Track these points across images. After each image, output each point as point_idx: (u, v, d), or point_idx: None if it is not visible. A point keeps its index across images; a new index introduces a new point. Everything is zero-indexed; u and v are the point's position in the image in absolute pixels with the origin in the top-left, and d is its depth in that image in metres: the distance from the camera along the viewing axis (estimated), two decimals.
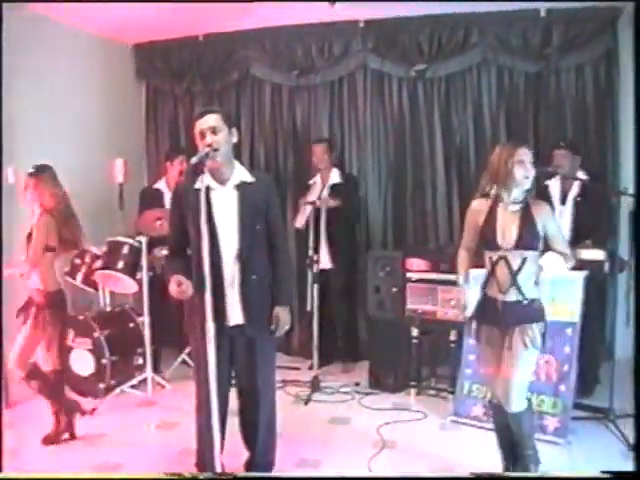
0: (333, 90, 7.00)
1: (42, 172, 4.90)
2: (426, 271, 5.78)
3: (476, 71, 6.51)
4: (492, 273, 3.88)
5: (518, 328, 3.81)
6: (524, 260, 3.79)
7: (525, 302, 3.82)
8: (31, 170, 4.90)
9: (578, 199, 5.48)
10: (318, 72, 6.93)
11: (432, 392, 5.85)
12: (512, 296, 3.82)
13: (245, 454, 4.26)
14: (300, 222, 6.44)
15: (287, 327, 4.12)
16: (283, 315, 4.08)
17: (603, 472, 2.96)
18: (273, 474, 3.75)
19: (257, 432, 4.16)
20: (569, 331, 4.81)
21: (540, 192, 5.65)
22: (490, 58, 6.38)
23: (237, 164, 4.02)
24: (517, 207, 3.83)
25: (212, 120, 3.84)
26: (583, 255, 4.95)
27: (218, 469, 3.82)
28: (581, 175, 5.47)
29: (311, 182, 6.65)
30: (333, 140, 6.83)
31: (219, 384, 3.76)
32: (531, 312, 3.85)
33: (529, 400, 4.01)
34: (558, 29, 6.10)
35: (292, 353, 7.24)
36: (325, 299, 6.46)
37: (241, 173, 3.98)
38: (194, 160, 3.69)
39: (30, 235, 4.86)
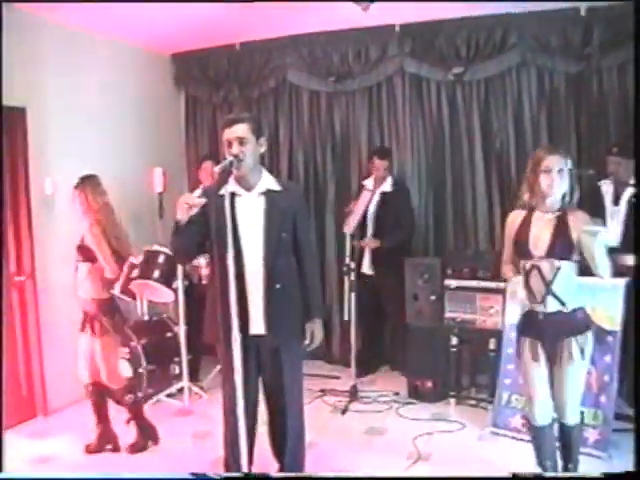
0: (371, 95, 6.92)
1: (87, 182, 4.91)
2: (465, 278, 5.67)
3: (515, 73, 6.35)
4: (527, 282, 3.78)
5: (564, 340, 3.73)
6: (557, 270, 3.67)
7: (566, 311, 3.71)
8: (77, 181, 4.91)
9: (633, 200, 5.31)
10: (355, 78, 6.85)
11: (472, 402, 5.75)
12: (551, 306, 3.72)
13: (275, 466, 4.21)
14: (350, 228, 6.14)
15: (319, 341, 4.08)
16: (317, 330, 4.05)
17: (604, 474, 2.85)
18: (303, 474, 3.68)
19: (285, 442, 4.10)
20: (610, 339, 4.65)
21: (594, 194, 5.55)
22: (529, 59, 6.22)
23: (265, 172, 3.97)
24: (552, 216, 3.73)
25: (240, 130, 3.79)
26: (628, 260, 4.80)
27: None
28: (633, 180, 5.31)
29: (365, 183, 6.53)
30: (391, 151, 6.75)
31: (246, 394, 3.73)
32: (575, 322, 3.75)
33: (582, 413, 4.00)
34: (599, 27, 5.90)
35: (333, 362, 7.16)
36: (370, 305, 6.41)
37: (268, 181, 3.93)
38: (218, 169, 3.65)
39: (81, 247, 4.86)
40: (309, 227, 4.30)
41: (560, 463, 3.96)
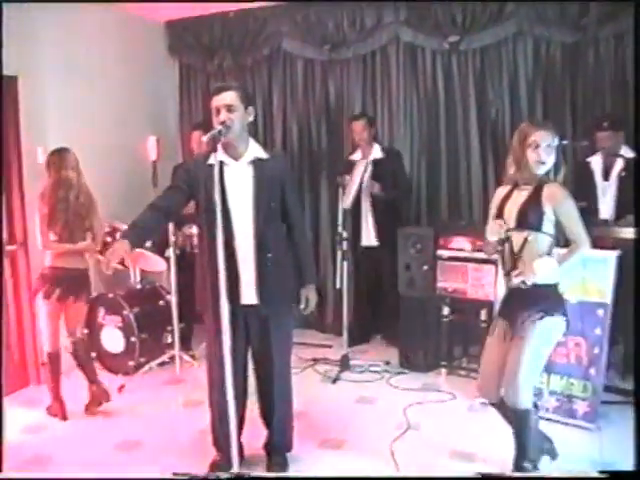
0: (366, 64, 6.85)
1: (49, 157, 5.01)
2: (457, 249, 5.66)
3: (511, 43, 6.27)
4: (502, 255, 3.75)
5: (524, 317, 3.61)
6: (525, 240, 3.62)
7: (525, 287, 3.61)
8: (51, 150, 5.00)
9: (622, 174, 5.30)
10: (350, 46, 6.78)
11: (463, 372, 5.76)
12: (516, 280, 3.64)
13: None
14: (347, 203, 6.20)
15: (313, 306, 4.13)
16: (311, 295, 4.10)
17: (601, 472, 2.85)
18: (286, 474, 3.70)
19: (273, 411, 4.14)
20: (600, 312, 4.63)
21: (581, 168, 5.54)
22: (526, 29, 6.13)
23: (252, 141, 3.95)
24: (528, 188, 3.66)
25: (228, 97, 3.78)
26: (621, 234, 4.79)
27: (235, 449, 3.81)
28: (625, 151, 5.30)
29: (352, 157, 6.50)
30: (371, 115, 6.68)
31: (235, 363, 3.74)
32: (538, 300, 3.63)
33: (535, 405, 3.83)
34: None
35: (325, 330, 7.19)
36: (369, 276, 6.40)
37: (255, 150, 3.92)
38: (206, 138, 3.65)
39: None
40: (297, 195, 4.28)
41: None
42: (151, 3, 6.45)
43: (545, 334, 3.61)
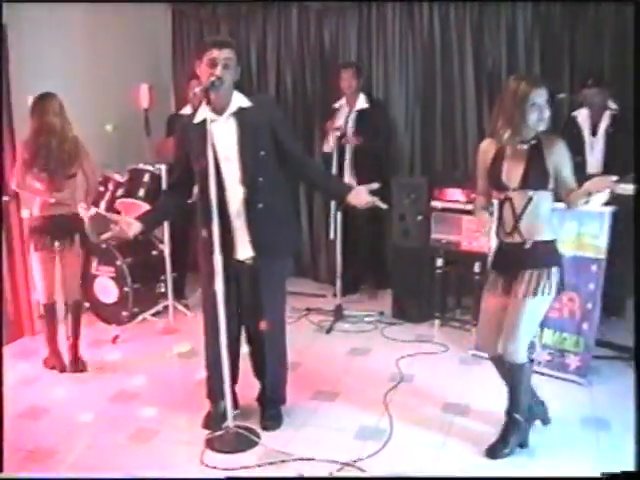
0: (361, 13, 6.74)
1: (32, 104, 4.91)
2: (452, 200, 5.64)
3: None
4: (500, 216, 3.72)
5: (524, 273, 3.62)
6: (529, 200, 3.59)
7: (527, 245, 3.62)
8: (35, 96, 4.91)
9: (610, 130, 5.28)
10: None
11: (456, 324, 5.80)
12: (516, 238, 3.65)
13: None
14: (328, 147, 6.31)
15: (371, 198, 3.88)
16: (362, 191, 3.90)
17: (603, 474, 2.89)
18: (268, 474, 3.74)
19: (265, 365, 4.16)
20: (594, 268, 4.64)
21: (568, 123, 5.50)
22: None
23: (235, 93, 3.88)
24: (526, 146, 3.60)
25: (228, 53, 3.74)
26: (620, 190, 4.78)
27: (229, 400, 3.85)
28: (611, 104, 5.27)
29: (336, 105, 6.49)
30: (361, 64, 6.61)
31: (228, 316, 3.81)
32: (538, 256, 3.64)
33: (531, 360, 3.88)
34: None
35: (320, 279, 7.21)
36: (351, 227, 6.39)
37: (238, 100, 3.86)
38: (198, 91, 3.68)
39: None
40: (293, 135, 4.25)
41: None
42: None
43: (543, 290, 3.61)
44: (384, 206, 3.91)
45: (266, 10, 7.08)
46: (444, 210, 5.68)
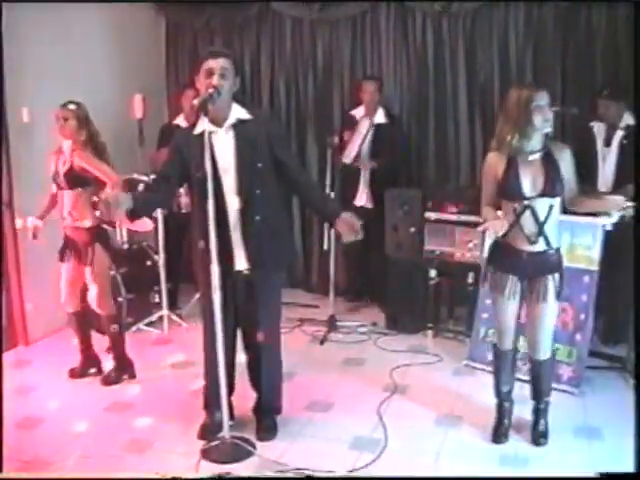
0: (355, 25, 6.77)
1: (84, 109, 4.87)
2: (445, 212, 5.67)
3: (503, 6, 6.22)
4: (516, 224, 3.78)
5: (546, 278, 3.83)
6: (551, 207, 3.73)
7: (551, 252, 3.82)
8: (73, 105, 4.84)
9: (624, 142, 5.30)
10: (340, 6, 6.69)
11: (449, 334, 5.82)
12: (540, 246, 3.79)
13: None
14: (349, 157, 6.25)
15: (360, 225, 3.97)
16: (349, 218, 3.96)
17: (601, 474, 2.92)
18: (275, 474, 3.76)
19: (260, 375, 4.18)
20: (587, 279, 4.69)
21: (585, 134, 5.52)
22: None
23: (234, 105, 3.90)
24: (537, 156, 3.72)
25: (224, 62, 3.76)
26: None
27: (225, 411, 3.86)
28: (627, 119, 5.28)
29: (353, 112, 6.47)
30: (382, 78, 6.60)
31: (226, 327, 3.82)
32: (555, 261, 3.86)
33: (557, 349, 4.22)
34: None
35: (313, 290, 7.22)
36: (365, 238, 6.40)
37: (237, 112, 3.88)
38: (197, 102, 3.68)
39: (69, 173, 4.79)
40: (290, 150, 4.30)
41: (530, 394, 4.14)
42: None
43: (557, 292, 3.86)
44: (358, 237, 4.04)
45: (260, 21, 7.10)
46: (437, 221, 5.69)
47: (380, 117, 6.36)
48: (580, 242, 4.71)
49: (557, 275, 3.84)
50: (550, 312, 3.89)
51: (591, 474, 3.44)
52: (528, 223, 3.76)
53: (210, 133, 3.72)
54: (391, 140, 6.32)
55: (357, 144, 6.21)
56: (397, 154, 6.40)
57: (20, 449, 4.04)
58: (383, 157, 6.28)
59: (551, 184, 3.70)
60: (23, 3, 5.40)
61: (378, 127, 6.34)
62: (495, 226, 3.76)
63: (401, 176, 6.64)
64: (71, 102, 4.84)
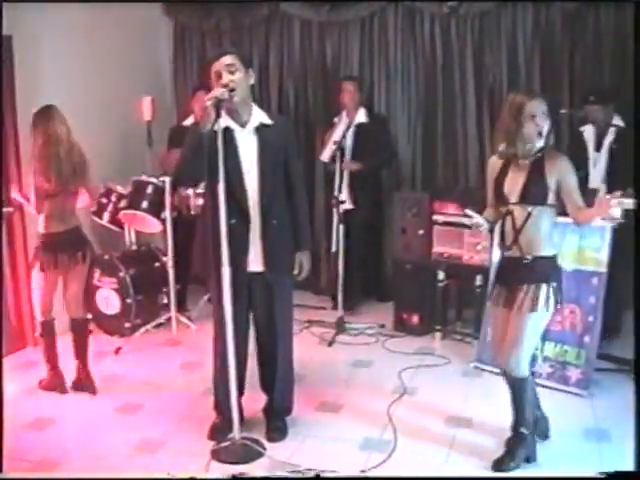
0: (364, 26, 6.79)
1: (35, 117, 4.75)
2: (453, 214, 5.67)
3: (511, 8, 6.24)
4: (502, 228, 3.77)
5: (525, 288, 3.65)
6: (528, 215, 3.63)
7: (527, 260, 3.65)
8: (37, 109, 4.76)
9: (614, 146, 5.31)
10: (349, 8, 6.72)
11: (457, 336, 5.83)
12: (516, 252, 3.69)
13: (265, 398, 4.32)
14: (326, 156, 6.22)
15: (308, 271, 4.17)
16: (306, 261, 4.13)
17: (601, 474, 2.92)
18: (285, 474, 3.78)
19: (274, 377, 4.20)
20: (595, 281, 4.70)
21: (575, 138, 5.54)
22: None
23: (255, 106, 3.94)
24: (527, 161, 3.65)
25: (228, 59, 3.77)
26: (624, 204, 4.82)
27: (235, 413, 3.87)
28: (616, 121, 5.30)
29: (336, 120, 6.46)
30: (363, 78, 6.65)
31: (237, 329, 3.84)
32: (538, 271, 3.66)
33: (532, 372, 3.95)
34: None
35: (320, 292, 7.22)
36: (349, 240, 6.41)
37: (259, 115, 3.92)
38: (209, 102, 3.63)
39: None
40: (298, 161, 4.30)
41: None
42: None
43: (543, 304, 3.64)
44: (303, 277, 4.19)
45: (269, 23, 7.12)
46: (445, 224, 5.71)
47: (361, 117, 6.35)
48: (588, 244, 4.72)
49: (543, 285, 3.63)
50: (523, 324, 3.66)
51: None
52: (508, 228, 3.71)
53: (232, 131, 3.76)
54: (373, 139, 6.31)
55: (333, 145, 6.11)
56: (380, 154, 6.38)
57: (29, 450, 4.06)
58: (367, 159, 6.27)
59: (528, 191, 3.61)
60: (33, 4, 5.43)
61: (359, 127, 6.33)
62: (478, 219, 3.75)
63: (387, 176, 6.68)
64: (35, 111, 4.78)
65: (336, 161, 6.05)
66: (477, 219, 3.79)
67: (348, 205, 6.33)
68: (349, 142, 6.32)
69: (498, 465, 3.78)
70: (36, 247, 4.83)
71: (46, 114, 4.73)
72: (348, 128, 6.27)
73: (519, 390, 3.77)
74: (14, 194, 5.07)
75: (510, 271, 3.76)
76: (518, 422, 3.81)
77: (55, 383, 4.93)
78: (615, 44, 5.91)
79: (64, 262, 4.77)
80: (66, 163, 4.68)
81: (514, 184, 3.67)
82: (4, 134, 5.33)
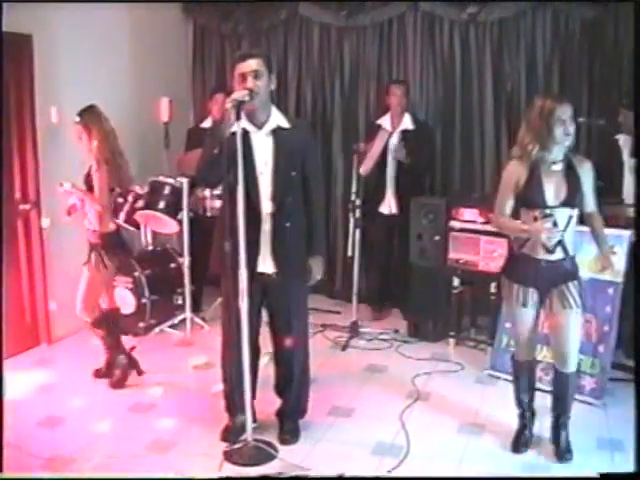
0: (382, 32, 6.78)
1: (88, 116, 4.77)
2: (469, 221, 5.66)
3: (530, 15, 6.21)
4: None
5: (561, 287, 3.80)
6: (570, 218, 3.74)
7: (567, 260, 3.79)
8: (78, 117, 4.78)
9: None
10: (367, 13, 6.71)
11: (471, 343, 5.81)
12: (558, 255, 3.77)
13: (277, 401, 4.32)
14: (364, 170, 6.11)
15: (319, 277, 4.14)
16: (316, 266, 4.09)
17: (601, 474, 2.91)
18: (296, 474, 3.78)
19: (291, 381, 4.20)
20: (610, 290, 4.69)
21: (610, 146, 5.50)
22: (545, 2, 6.08)
23: (274, 109, 3.96)
24: (560, 166, 3.73)
25: (255, 64, 3.78)
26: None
27: (249, 414, 3.87)
28: None
29: (380, 122, 6.36)
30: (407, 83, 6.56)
31: (250, 329, 3.84)
32: (571, 269, 3.84)
33: (580, 360, 4.15)
34: None
35: (335, 296, 7.21)
36: (384, 244, 6.47)
37: (277, 118, 3.93)
38: (230, 105, 3.65)
39: (88, 176, 4.81)
40: (318, 164, 4.30)
41: (551, 407, 4.08)
42: None
43: (582, 302, 3.85)
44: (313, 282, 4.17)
45: (287, 27, 7.13)
46: (462, 230, 5.69)
47: (407, 123, 6.30)
48: None
49: (576, 282, 3.83)
50: (574, 320, 3.84)
51: None
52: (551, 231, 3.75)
53: (248, 133, 3.77)
54: (418, 146, 6.25)
55: (377, 153, 6.13)
56: (421, 161, 6.33)
57: (41, 447, 4.07)
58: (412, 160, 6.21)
59: (572, 195, 3.72)
60: (53, 4, 5.46)
61: (404, 133, 6.28)
62: (550, 232, 3.69)
63: (425, 184, 6.64)
64: (80, 112, 4.80)
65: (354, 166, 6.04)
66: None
67: (394, 210, 6.35)
68: (395, 144, 6.24)
69: (567, 451, 3.98)
70: (93, 244, 4.88)
71: (95, 113, 4.81)
72: (392, 135, 6.25)
73: (571, 383, 3.97)
74: (72, 199, 4.98)
75: (547, 274, 3.82)
76: (563, 411, 4.00)
77: (130, 367, 5.08)
78: (635, 52, 5.86)
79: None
80: (122, 159, 4.85)
81: (553, 188, 3.73)
82: (22, 132, 5.38)
